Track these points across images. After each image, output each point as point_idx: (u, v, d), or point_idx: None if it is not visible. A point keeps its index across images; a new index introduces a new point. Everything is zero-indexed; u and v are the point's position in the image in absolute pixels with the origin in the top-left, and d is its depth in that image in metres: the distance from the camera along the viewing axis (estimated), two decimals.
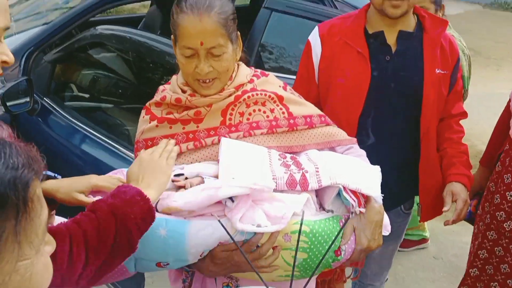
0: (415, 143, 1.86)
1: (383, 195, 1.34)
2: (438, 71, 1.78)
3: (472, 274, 2.05)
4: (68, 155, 2.65)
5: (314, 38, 1.85)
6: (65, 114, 2.77)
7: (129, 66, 3.53)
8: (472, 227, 2.14)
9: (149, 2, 4.29)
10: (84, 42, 2.91)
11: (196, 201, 1.14)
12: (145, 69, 3.43)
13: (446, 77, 1.82)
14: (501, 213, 1.91)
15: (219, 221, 1.09)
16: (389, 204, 1.78)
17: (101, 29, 2.83)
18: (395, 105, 1.80)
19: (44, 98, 2.84)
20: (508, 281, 1.97)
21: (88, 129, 2.67)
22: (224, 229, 1.07)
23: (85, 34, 2.89)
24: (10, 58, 1.03)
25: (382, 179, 1.40)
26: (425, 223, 3.14)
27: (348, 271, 2.03)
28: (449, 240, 3.31)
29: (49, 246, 0.63)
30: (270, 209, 1.16)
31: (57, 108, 2.81)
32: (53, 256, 0.88)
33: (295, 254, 1.06)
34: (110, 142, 2.58)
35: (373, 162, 1.46)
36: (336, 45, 1.79)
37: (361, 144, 1.56)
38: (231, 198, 1.14)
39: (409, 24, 1.78)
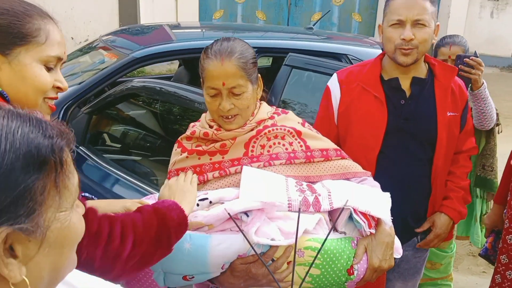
0: (428, 180, 1.97)
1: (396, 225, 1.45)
2: (450, 114, 1.92)
3: None
4: (99, 195, 2.81)
5: (334, 83, 2.01)
6: (98, 161, 2.96)
7: (156, 119, 3.77)
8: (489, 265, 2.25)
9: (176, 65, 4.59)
10: (120, 94, 3.15)
11: (214, 215, 1.28)
12: (172, 121, 3.64)
13: (456, 118, 1.96)
14: (510, 236, 2.03)
15: (241, 231, 1.21)
16: (406, 238, 1.89)
17: (135, 82, 3.08)
18: (410, 145, 1.92)
19: (80, 147, 3.06)
20: None
21: (119, 173, 2.84)
22: (245, 237, 1.18)
23: (119, 88, 3.14)
24: (64, 85, 1.20)
25: (398, 214, 1.51)
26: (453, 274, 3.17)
27: None
28: None
29: (80, 208, 0.74)
30: (284, 226, 1.28)
31: (92, 156, 3.01)
32: (108, 234, 1.03)
33: (310, 267, 1.16)
34: (137, 183, 2.74)
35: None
36: (354, 90, 1.94)
37: (378, 180, 1.68)
38: (246, 214, 1.27)
39: (421, 71, 1.93)
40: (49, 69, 1.17)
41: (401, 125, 1.90)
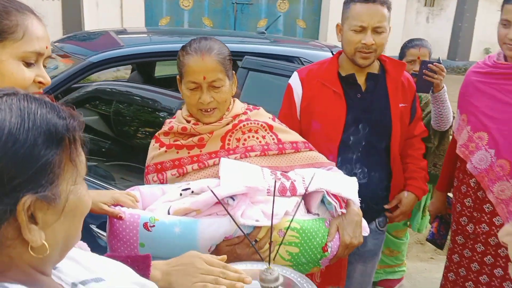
0: (386, 166, 2.14)
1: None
2: (401, 105, 2.10)
3: (450, 278, 2.36)
4: None
5: (295, 81, 2.13)
6: None
7: (109, 124, 3.75)
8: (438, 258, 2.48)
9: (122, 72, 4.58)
10: (76, 100, 3.13)
11: (202, 200, 1.35)
12: (124, 123, 3.64)
13: (407, 109, 2.14)
14: (463, 218, 2.25)
15: (229, 214, 1.28)
16: (368, 221, 2.05)
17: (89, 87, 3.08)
18: (368, 135, 2.07)
19: None
20: (480, 278, 2.23)
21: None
22: (232, 219, 1.26)
23: (74, 94, 3.13)
24: (47, 80, 1.21)
25: (360, 200, 1.64)
26: (405, 261, 3.36)
27: None
28: (422, 277, 3.51)
29: (86, 185, 0.81)
30: (266, 209, 1.38)
31: None
32: None
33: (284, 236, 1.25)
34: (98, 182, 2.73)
35: None
36: (315, 86, 2.07)
37: (340, 169, 1.81)
38: (232, 198, 1.35)
39: (374, 67, 2.09)
40: (29, 64, 1.17)
41: (359, 117, 2.05)
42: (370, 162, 2.09)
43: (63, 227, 0.75)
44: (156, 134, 1.68)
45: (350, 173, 1.82)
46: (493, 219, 2.18)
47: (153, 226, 1.33)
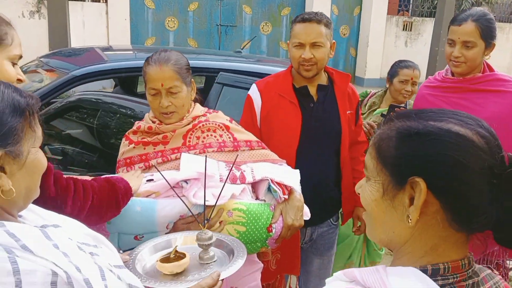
0: (337, 168, 2.36)
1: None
2: (348, 112, 2.35)
3: None
4: None
5: (254, 92, 2.36)
6: None
7: (92, 134, 3.92)
8: None
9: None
10: (58, 110, 3.31)
11: (159, 183, 1.57)
12: (109, 135, 3.82)
13: (353, 115, 2.39)
14: None
15: (180, 198, 1.50)
16: (323, 218, 2.27)
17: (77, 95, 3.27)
18: (321, 140, 2.29)
19: None
20: None
21: None
22: (184, 203, 1.49)
23: (56, 105, 3.31)
24: (24, 77, 1.49)
25: (317, 199, 1.85)
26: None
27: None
28: None
29: (42, 152, 1.03)
30: (216, 191, 1.59)
31: None
32: (74, 189, 1.30)
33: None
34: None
35: (307, 185, 1.93)
36: (273, 97, 2.30)
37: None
38: (186, 182, 1.56)
39: (323, 79, 2.33)
40: (13, 64, 1.47)
41: (312, 124, 2.28)
42: (323, 165, 2.31)
43: (24, 180, 0.97)
44: (126, 133, 1.91)
45: (307, 177, 2.05)
46: None
47: None
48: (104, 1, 9.57)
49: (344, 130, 2.32)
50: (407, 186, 0.83)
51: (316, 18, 2.16)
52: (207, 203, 1.54)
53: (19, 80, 1.49)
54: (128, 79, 4.52)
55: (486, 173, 0.81)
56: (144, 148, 1.82)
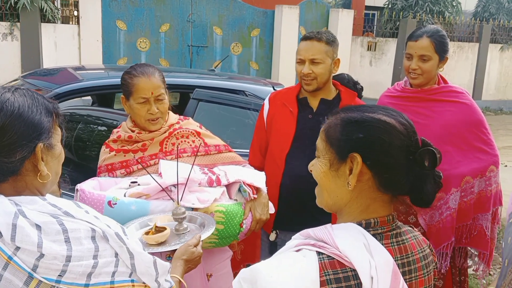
0: None
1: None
2: None
3: None
4: None
5: (266, 100, 2.61)
6: None
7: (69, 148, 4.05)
8: None
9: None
10: None
11: (151, 187, 1.80)
12: (84, 147, 3.96)
13: None
14: None
15: (171, 199, 1.72)
16: (313, 224, 2.52)
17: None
18: (311, 148, 2.47)
19: None
20: None
21: None
22: (172, 200, 1.74)
23: None
24: None
25: (305, 204, 2.09)
26: None
27: None
28: None
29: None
30: (200, 196, 1.84)
31: None
32: None
33: None
34: None
35: (294, 188, 2.23)
36: (278, 106, 2.53)
37: (287, 176, 2.31)
38: (174, 186, 1.79)
39: (329, 93, 2.46)
40: None
41: (306, 133, 2.43)
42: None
43: (54, 167, 1.20)
44: (106, 141, 2.12)
45: (294, 181, 2.28)
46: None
47: (115, 204, 1.75)
48: (76, 23, 9.70)
49: None
50: (348, 160, 1.10)
51: (316, 37, 2.33)
52: (194, 206, 1.79)
53: None
54: (105, 96, 4.68)
55: (404, 150, 1.09)
56: (125, 155, 2.03)
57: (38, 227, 1.08)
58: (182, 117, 2.21)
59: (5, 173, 1.12)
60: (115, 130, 2.16)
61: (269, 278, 0.99)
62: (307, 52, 2.34)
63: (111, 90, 4.04)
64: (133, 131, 2.06)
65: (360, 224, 1.10)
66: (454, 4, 13.82)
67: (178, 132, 2.09)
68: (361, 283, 1.01)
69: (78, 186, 1.84)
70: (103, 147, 2.11)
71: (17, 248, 1.06)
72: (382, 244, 1.07)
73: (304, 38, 2.39)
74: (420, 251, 1.15)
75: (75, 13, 9.89)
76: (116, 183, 1.94)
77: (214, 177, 1.96)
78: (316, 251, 1.04)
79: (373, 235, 1.08)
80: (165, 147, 2.06)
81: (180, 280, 1.44)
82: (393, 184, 1.10)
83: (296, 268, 1.02)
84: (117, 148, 2.05)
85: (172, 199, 1.79)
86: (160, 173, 1.91)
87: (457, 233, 2.60)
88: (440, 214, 2.56)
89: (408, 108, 2.60)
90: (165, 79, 2.10)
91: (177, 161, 1.80)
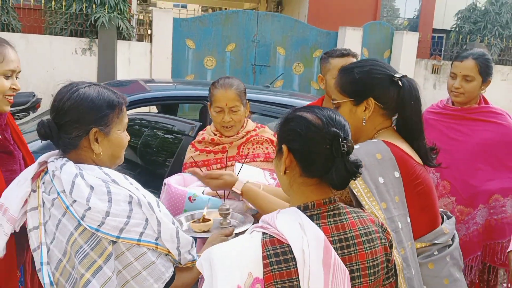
0: None
1: None
2: None
3: None
4: None
5: None
6: None
7: (135, 152, 4.41)
8: None
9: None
10: None
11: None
12: (150, 153, 4.32)
13: None
14: None
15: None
16: None
17: None
18: None
19: None
20: None
21: None
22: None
23: None
24: (18, 87, 1.81)
25: None
26: None
27: None
28: None
29: (127, 134, 1.55)
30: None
31: None
32: None
33: None
34: None
35: None
36: None
37: None
38: None
39: None
40: (7, 77, 1.78)
41: None
42: None
43: (110, 149, 1.50)
44: (192, 142, 2.44)
45: None
46: None
47: (195, 200, 2.03)
48: (149, 41, 10.37)
49: None
50: (282, 151, 1.32)
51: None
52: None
53: (14, 89, 1.80)
54: (170, 107, 5.06)
55: (319, 141, 1.27)
56: (207, 155, 2.34)
57: (91, 187, 1.39)
58: (259, 125, 2.47)
59: (68, 146, 1.47)
60: (200, 132, 2.47)
61: (221, 254, 1.19)
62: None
63: (175, 101, 4.42)
64: (215, 134, 2.35)
65: (299, 207, 1.30)
66: None
67: (254, 139, 2.36)
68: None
69: (166, 180, 2.13)
70: (189, 147, 2.42)
71: (74, 201, 1.37)
72: (319, 223, 1.26)
73: (340, 55, 2.64)
74: (361, 228, 1.31)
75: (149, 31, 10.55)
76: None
77: (274, 183, 2.13)
78: (262, 232, 1.25)
79: (310, 216, 1.27)
80: (242, 151, 2.32)
81: None
82: (311, 169, 1.29)
83: (244, 246, 1.23)
84: (201, 149, 2.35)
85: (219, 196, 2.03)
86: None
87: (488, 250, 2.66)
88: (467, 229, 2.64)
89: (447, 124, 2.73)
90: None
91: (242, 164, 2.07)
